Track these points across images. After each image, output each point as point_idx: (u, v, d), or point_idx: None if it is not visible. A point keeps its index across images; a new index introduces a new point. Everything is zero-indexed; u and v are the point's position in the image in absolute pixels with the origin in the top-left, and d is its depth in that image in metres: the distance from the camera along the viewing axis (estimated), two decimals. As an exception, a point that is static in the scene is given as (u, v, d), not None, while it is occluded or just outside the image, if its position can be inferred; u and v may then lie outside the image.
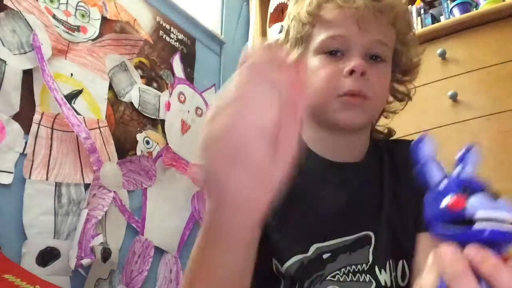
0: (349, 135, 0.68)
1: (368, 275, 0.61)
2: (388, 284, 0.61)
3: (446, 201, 0.35)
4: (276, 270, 0.63)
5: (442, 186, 0.37)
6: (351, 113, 0.63)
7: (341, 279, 0.60)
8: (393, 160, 0.71)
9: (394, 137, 0.80)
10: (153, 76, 1.58)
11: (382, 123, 0.79)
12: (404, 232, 0.63)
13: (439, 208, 0.35)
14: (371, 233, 0.63)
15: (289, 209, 0.60)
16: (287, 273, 0.62)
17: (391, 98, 0.74)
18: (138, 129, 1.46)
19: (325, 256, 0.61)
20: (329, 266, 0.61)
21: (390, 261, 0.63)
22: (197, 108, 1.73)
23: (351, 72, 0.62)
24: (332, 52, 0.65)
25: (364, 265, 0.62)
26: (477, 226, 0.33)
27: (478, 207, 0.33)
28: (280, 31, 2.00)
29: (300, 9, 0.70)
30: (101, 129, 1.32)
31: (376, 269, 0.62)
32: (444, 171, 0.38)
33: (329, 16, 0.65)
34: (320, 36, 0.66)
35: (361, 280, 0.61)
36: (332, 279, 0.60)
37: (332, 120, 0.64)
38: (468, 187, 0.35)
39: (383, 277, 0.61)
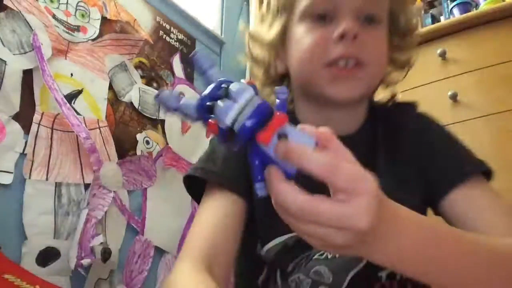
0: (343, 108, 0.61)
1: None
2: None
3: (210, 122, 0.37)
4: (259, 254, 0.59)
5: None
6: (343, 86, 0.56)
7: (329, 256, 0.56)
8: (389, 127, 0.65)
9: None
10: (153, 76, 1.58)
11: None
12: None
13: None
14: None
15: None
16: (267, 256, 0.57)
17: (389, 68, 0.67)
18: (138, 129, 1.46)
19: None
20: (312, 261, 0.57)
21: None
22: (197, 108, 1.73)
23: (342, 36, 0.54)
24: (320, 17, 0.57)
25: None
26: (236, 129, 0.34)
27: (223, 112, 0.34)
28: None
29: None
30: (101, 129, 1.32)
31: None
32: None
33: None
34: (303, 0, 0.59)
35: (351, 257, 0.55)
36: (320, 257, 0.56)
37: (322, 95, 0.58)
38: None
39: None
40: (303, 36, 0.58)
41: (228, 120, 0.33)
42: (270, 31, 0.65)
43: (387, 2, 0.61)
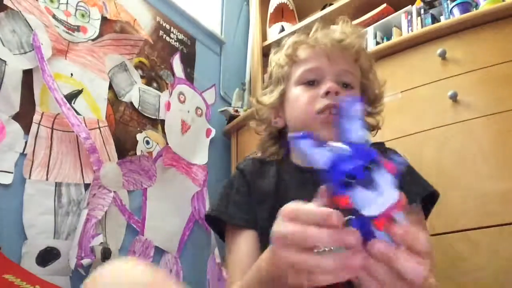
0: None
1: None
2: None
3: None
4: None
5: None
6: (331, 129, 0.72)
7: None
8: None
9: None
10: (153, 76, 1.58)
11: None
12: None
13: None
14: None
15: (282, 196, 0.75)
16: None
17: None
18: (138, 129, 1.46)
19: None
20: None
21: None
22: (197, 108, 1.73)
23: (327, 92, 0.74)
24: (310, 83, 0.78)
25: None
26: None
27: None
28: (281, 31, 2.00)
29: (279, 55, 0.85)
30: (101, 129, 1.32)
31: None
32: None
33: (303, 54, 0.80)
34: (298, 71, 0.80)
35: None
36: None
37: (316, 138, 0.71)
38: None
39: None
40: (298, 95, 0.78)
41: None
42: (272, 96, 0.84)
43: (359, 76, 0.81)
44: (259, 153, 0.87)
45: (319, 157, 0.38)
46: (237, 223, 0.77)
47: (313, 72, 0.78)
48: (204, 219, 1.55)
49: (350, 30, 0.81)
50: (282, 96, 0.83)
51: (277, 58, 0.86)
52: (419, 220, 0.75)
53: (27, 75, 1.17)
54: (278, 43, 0.89)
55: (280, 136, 0.86)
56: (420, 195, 0.76)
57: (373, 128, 0.86)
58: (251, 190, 0.79)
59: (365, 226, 0.36)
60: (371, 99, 0.84)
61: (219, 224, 0.80)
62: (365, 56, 0.82)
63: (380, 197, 0.35)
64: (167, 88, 1.62)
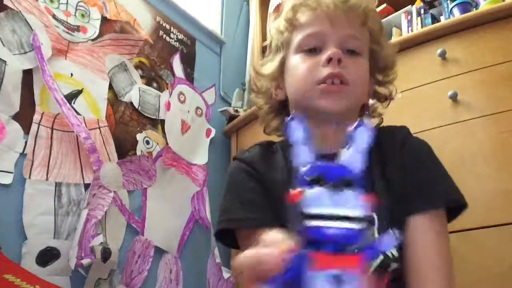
0: (336, 125, 0.68)
1: None
2: (395, 254, 0.64)
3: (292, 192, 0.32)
4: None
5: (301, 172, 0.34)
6: (331, 99, 0.66)
7: None
8: (382, 150, 0.71)
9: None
10: (153, 76, 1.58)
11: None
12: (395, 208, 0.65)
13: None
14: (374, 214, 0.64)
15: (275, 202, 0.65)
16: None
17: (373, 101, 0.79)
18: (138, 129, 1.46)
19: None
20: None
21: (391, 231, 0.65)
22: (197, 108, 1.73)
23: (329, 60, 0.66)
24: (311, 50, 0.70)
25: None
26: (306, 223, 0.30)
27: (312, 202, 0.31)
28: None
29: (279, 21, 0.77)
30: (101, 129, 1.32)
31: None
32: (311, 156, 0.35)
33: (303, 18, 0.72)
34: (298, 37, 0.72)
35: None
36: None
37: (314, 108, 0.68)
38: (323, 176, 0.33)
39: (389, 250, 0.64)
40: (298, 64, 0.71)
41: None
42: (271, 66, 0.77)
43: (367, 41, 0.72)
44: (263, 127, 0.80)
45: None
46: (249, 226, 0.67)
47: (314, 37, 0.70)
48: (202, 218, 1.56)
49: None
50: (282, 66, 0.75)
51: (277, 24, 0.77)
52: (437, 228, 0.66)
53: (27, 75, 1.17)
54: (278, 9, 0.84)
55: (282, 109, 0.78)
56: (443, 198, 0.67)
57: (385, 98, 0.79)
58: (262, 184, 0.70)
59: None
60: (381, 67, 0.76)
61: (231, 233, 0.70)
62: (374, 18, 0.73)
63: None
64: (167, 88, 1.62)
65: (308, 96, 0.68)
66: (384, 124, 0.80)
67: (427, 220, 0.65)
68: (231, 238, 0.71)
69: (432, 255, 0.64)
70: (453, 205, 0.69)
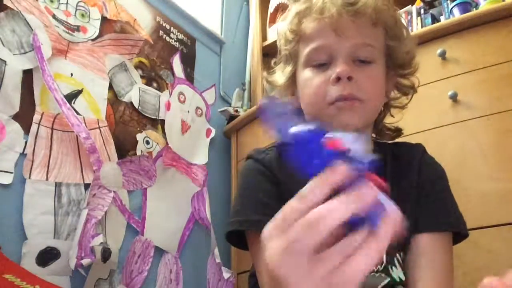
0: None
1: (383, 274, 0.65)
2: (402, 277, 0.65)
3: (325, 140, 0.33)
4: None
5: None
6: (345, 116, 0.64)
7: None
8: (399, 164, 0.72)
9: (401, 137, 0.81)
10: (153, 76, 1.58)
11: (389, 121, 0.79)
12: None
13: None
14: None
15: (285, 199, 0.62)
16: None
17: (397, 94, 0.76)
18: (138, 129, 1.46)
19: None
20: None
21: (397, 255, 0.66)
22: (197, 108, 1.73)
23: (338, 79, 0.63)
24: (319, 64, 0.67)
25: (379, 266, 0.65)
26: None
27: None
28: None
29: (285, 27, 0.73)
30: (101, 129, 1.32)
31: (389, 268, 0.65)
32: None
33: (308, 30, 0.68)
34: (305, 50, 0.69)
35: (376, 276, 0.65)
36: None
37: (329, 123, 0.66)
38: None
39: (395, 273, 0.65)
40: (307, 81, 0.68)
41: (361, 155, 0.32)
42: (282, 76, 0.75)
43: (381, 41, 0.68)
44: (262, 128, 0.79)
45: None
46: (261, 229, 0.67)
47: (321, 51, 0.66)
48: (202, 218, 1.56)
49: None
50: (293, 75, 0.73)
51: (283, 30, 0.73)
52: (444, 247, 0.67)
53: (27, 75, 1.17)
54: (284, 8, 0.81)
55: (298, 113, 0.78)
56: (452, 224, 0.68)
57: (408, 90, 0.76)
58: (277, 188, 0.67)
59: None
60: (400, 63, 0.72)
61: (241, 234, 0.69)
62: (387, 13, 0.68)
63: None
64: (167, 88, 1.62)
65: (322, 117, 0.66)
66: (417, 92, 0.78)
67: (436, 239, 0.67)
68: (241, 239, 0.69)
69: (438, 270, 0.65)
70: (457, 231, 0.70)
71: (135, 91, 1.48)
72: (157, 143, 1.51)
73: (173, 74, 1.66)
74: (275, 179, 0.69)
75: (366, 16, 0.65)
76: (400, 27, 0.71)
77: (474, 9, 1.35)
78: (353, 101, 0.63)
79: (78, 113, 1.26)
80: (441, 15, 1.52)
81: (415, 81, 0.76)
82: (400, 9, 1.60)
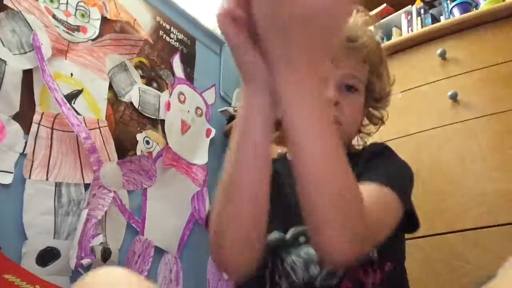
0: None
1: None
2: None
3: None
4: None
5: None
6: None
7: None
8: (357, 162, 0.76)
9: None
10: (153, 76, 1.58)
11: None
12: None
13: None
14: None
15: (278, 189, 0.67)
16: (269, 243, 0.68)
17: (366, 121, 0.85)
18: (138, 129, 1.46)
19: (301, 239, 0.67)
20: (304, 246, 0.67)
21: None
22: (197, 108, 1.73)
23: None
24: None
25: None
26: None
27: None
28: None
29: None
30: (101, 129, 1.32)
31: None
32: None
33: None
34: None
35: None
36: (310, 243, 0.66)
37: None
38: None
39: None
40: None
41: None
42: None
43: (365, 76, 0.76)
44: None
45: None
46: None
47: None
48: (202, 218, 1.56)
49: (363, 27, 0.74)
50: None
51: None
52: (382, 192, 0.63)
53: (27, 75, 1.17)
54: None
55: None
56: (388, 180, 0.65)
57: (377, 121, 0.83)
58: (274, 181, 0.69)
59: None
60: (377, 97, 0.81)
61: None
62: (376, 53, 0.77)
63: None
64: (167, 88, 1.62)
65: None
66: (385, 124, 0.85)
67: (375, 186, 0.64)
68: None
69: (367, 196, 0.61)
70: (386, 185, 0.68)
71: (135, 91, 1.48)
72: (157, 143, 1.51)
73: (173, 74, 1.66)
74: (275, 174, 0.72)
75: (360, 53, 0.73)
76: (384, 67, 0.81)
77: (474, 9, 1.35)
78: (335, 123, 0.70)
79: (78, 113, 1.26)
80: (441, 15, 1.52)
81: (385, 114, 0.84)
82: (400, 9, 1.60)
